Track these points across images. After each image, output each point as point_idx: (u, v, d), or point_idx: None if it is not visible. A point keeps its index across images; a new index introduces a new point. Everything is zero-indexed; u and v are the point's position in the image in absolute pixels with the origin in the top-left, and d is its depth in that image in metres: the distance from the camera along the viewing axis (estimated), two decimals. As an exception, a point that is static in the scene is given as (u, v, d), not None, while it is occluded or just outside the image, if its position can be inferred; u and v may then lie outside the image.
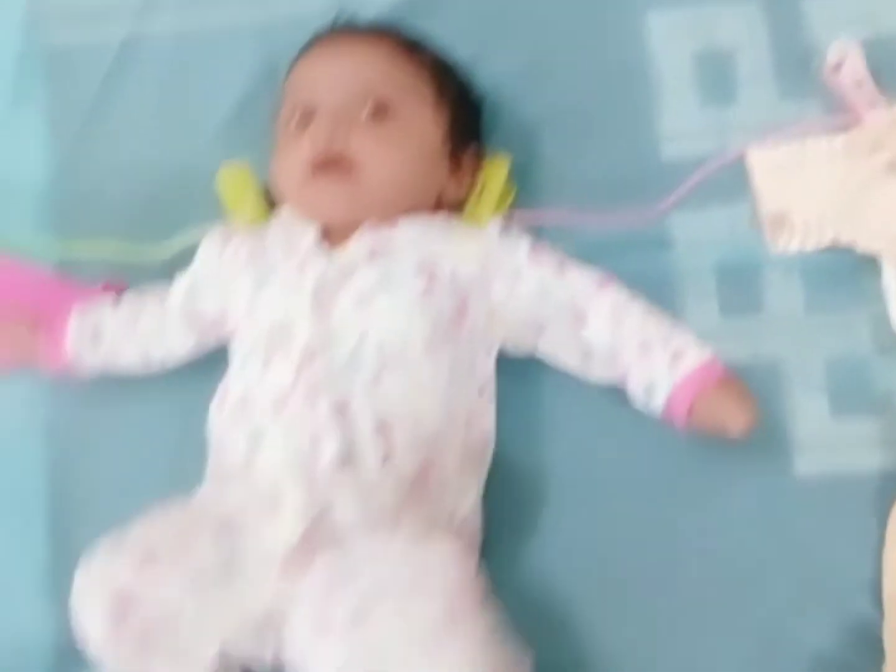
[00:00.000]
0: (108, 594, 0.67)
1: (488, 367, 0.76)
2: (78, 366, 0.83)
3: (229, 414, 0.74)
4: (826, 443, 0.74)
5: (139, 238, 0.88)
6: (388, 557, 0.65)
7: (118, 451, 0.86)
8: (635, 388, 0.71)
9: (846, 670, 0.68)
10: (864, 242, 0.74)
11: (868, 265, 0.75)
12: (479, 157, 0.80)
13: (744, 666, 0.70)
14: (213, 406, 0.76)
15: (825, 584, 0.71)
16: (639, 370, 0.70)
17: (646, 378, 0.70)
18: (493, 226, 0.77)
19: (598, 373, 0.73)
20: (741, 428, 0.67)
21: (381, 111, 0.74)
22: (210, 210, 0.85)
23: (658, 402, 0.69)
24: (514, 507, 0.76)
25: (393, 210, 0.75)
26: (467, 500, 0.73)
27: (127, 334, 0.82)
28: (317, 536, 0.67)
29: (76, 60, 0.97)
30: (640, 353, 0.70)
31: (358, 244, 0.74)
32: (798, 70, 0.81)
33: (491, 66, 0.84)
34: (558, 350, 0.74)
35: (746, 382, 0.70)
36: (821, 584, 0.71)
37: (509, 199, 0.81)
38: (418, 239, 0.75)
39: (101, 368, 0.83)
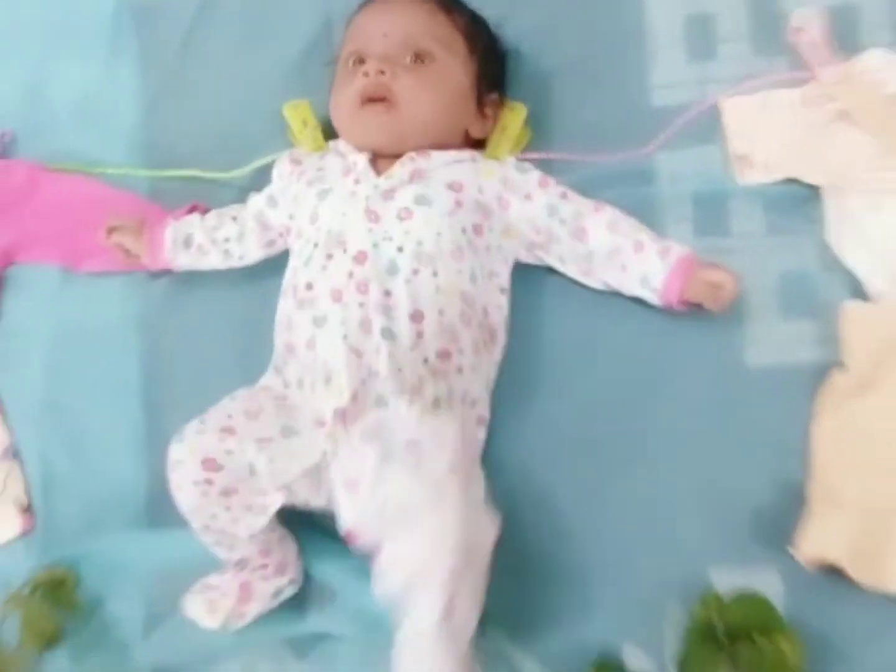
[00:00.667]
0: (198, 461, 0.82)
1: (505, 272, 0.92)
2: (173, 265, 1.01)
3: (298, 301, 0.90)
4: (774, 339, 0.89)
5: (218, 166, 1.05)
6: (409, 422, 0.80)
7: (197, 335, 1.04)
8: (632, 281, 0.87)
9: (776, 518, 0.83)
10: (813, 177, 0.89)
11: (816, 196, 0.89)
12: (500, 103, 0.95)
13: (696, 513, 0.86)
14: (284, 294, 0.93)
15: (765, 452, 0.86)
16: (635, 264, 0.86)
17: (641, 270, 0.86)
18: (509, 161, 0.93)
19: (599, 274, 0.89)
20: (730, 293, 0.83)
21: (420, 59, 0.90)
22: (279, 141, 1.02)
23: (656, 285, 0.85)
24: (516, 392, 0.92)
25: (426, 140, 0.90)
26: (480, 380, 0.89)
27: (211, 239, 0.99)
28: (362, 398, 0.84)
29: (162, 16, 1.15)
30: (635, 250, 0.86)
31: (400, 169, 0.89)
32: (768, 32, 0.95)
33: (513, 26, 1.00)
34: (564, 259, 0.90)
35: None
36: (761, 452, 0.86)
37: (525, 141, 0.97)
38: (448, 167, 0.90)
39: (190, 266, 1.01)
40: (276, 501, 0.85)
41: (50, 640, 0.99)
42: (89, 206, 1.09)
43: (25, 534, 1.04)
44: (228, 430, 0.83)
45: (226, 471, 0.82)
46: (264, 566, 0.88)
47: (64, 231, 1.10)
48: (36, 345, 1.09)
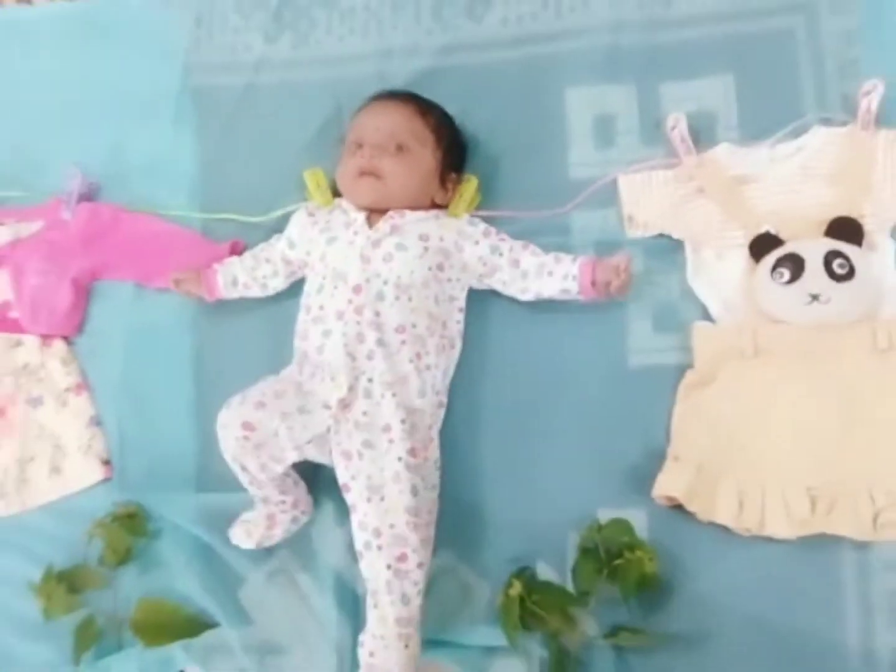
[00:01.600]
0: (239, 423, 1.10)
1: (462, 297, 1.24)
2: (225, 297, 1.31)
3: (312, 318, 1.20)
4: (648, 348, 1.20)
5: (252, 212, 1.36)
6: (391, 416, 1.12)
7: (236, 334, 1.34)
8: (556, 281, 1.16)
9: (645, 473, 1.13)
10: (677, 233, 1.22)
11: (680, 247, 1.22)
12: (458, 180, 1.27)
13: (590, 470, 1.17)
14: (301, 313, 1.23)
15: (640, 427, 1.17)
16: (556, 269, 1.17)
17: (562, 270, 1.17)
18: (464, 217, 1.25)
19: (532, 287, 1.18)
20: (628, 272, 1.13)
21: (400, 148, 1.22)
22: (297, 195, 1.33)
23: (574, 273, 1.15)
24: (465, 383, 1.24)
25: (403, 204, 1.22)
26: (441, 375, 1.20)
27: (252, 277, 1.30)
28: (355, 390, 1.14)
29: (215, 96, 1.46)
30: (555, 261, 1.18)
31: (385, 224, 1.21)
32: (651, 130, 1.27)
33: (471, 117, 1.32)
34: (506, 282, 1.21)
35: (602, 316, 1.20)
36: (637, 427, 1.17)
37: (476, 202, 1.29)
38: (419, 223, 1.22)
39: (237, 297, 1.32)
40: (290, 457, 1.13)
41: (123, 558, 1.26)
42: (156, 239, 1.39)
43: (106, 480, 1.33)
44: (261, 404, 1.11)
45: (257, 432, 1.10)
46: (283, 501, 1.16)
47: (137, 257, 1.39)
48: (114, 340, 1.38)
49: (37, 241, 1.43)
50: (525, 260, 1.20)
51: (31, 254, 1.42)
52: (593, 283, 1.16)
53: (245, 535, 1.19)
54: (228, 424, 1.12)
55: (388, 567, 1.06)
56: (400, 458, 1.11)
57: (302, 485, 1.20)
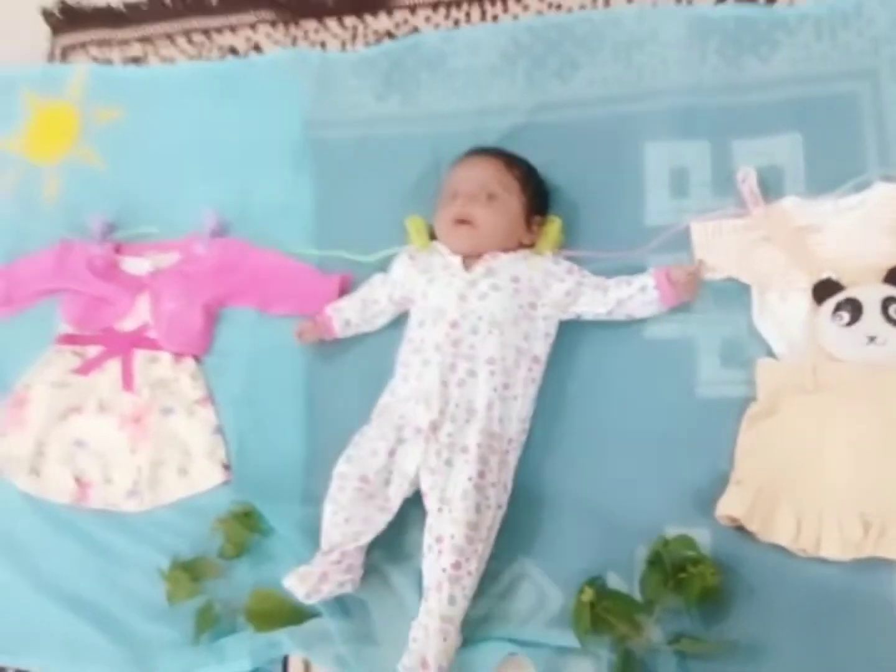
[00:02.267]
0: (356, 475, 1.24)
1: (553, 332, 1.35)
2: (341, 337, 1.46)
3: (413, 349, 1.33)
4: (715, 381, 1.30)
5: (360, 250, 1.52)
6: (469, 440, 1.24)
7: (343, 359, 1.48)
8: (633, 291, 1.29)
9: (710, 495, 1.22)
10: (745, 277, 1.32)
11: (747, 290, 1.31)
12: (542, 222, 1.40)
13: (658, 490, 1.25)
14: (404, 344, 1.36)
15: (706, 453, 1.25)
16: (635, 280, 1.30)
17: (639, 282, 1.29)
18: (549, 256, 1.38)
19: (612, 299, 1.29)
20: (699, 276, 1.28)
21: (491, 197, 1.36)
22: (400, 238, 1.48)
23: (650, 281, 1.28)
24: (548, 403, 1.35)
25: (494, 248, 1.35)
26: (527, 403, 1.31)
27: (362, 318, 1.44)
28: (444, 415, 1.26)
29: (331, 146, 1.63)
30: (633, 277, 1.31)
31: (480, 267, 1.34)
32: (723, 182, 1.38)
33: (557, 168, 1.46)
34: (590, 303, 1.32)
35: (674, 351, 1.31)
36: (704, 453, 1.25)
37: (560, 242, 1.41)
38: (510, 264, 1.35)
39: (351, 335, 1.46)
40: (398, 497, 1.24)
41: (239, 552, 1.38)
42: (277, 272, 1.56)
43: (226, 482, 1.46)
44: (374, 452, 1.27)
45: (371, 484, 1.25)
46: (339, 562, 1.23)
47: (260, 287, 1.55)
48: (237, 360, 1.53)
49: (174, 271, 1.63)
50: (606, 282, 1.34)
51: (168, 282, 1.62)
52: (669, 280, 1.28)
53: (298, 582, 1.23)
54: (346, 475, 1.26)
55: (444, 570, 1.17)
56: (470, 479, 1.22)
57: (362, 557, 1.28)
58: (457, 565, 1.18)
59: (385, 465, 1.26)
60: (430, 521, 1.23)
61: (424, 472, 1.26)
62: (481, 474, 1.23)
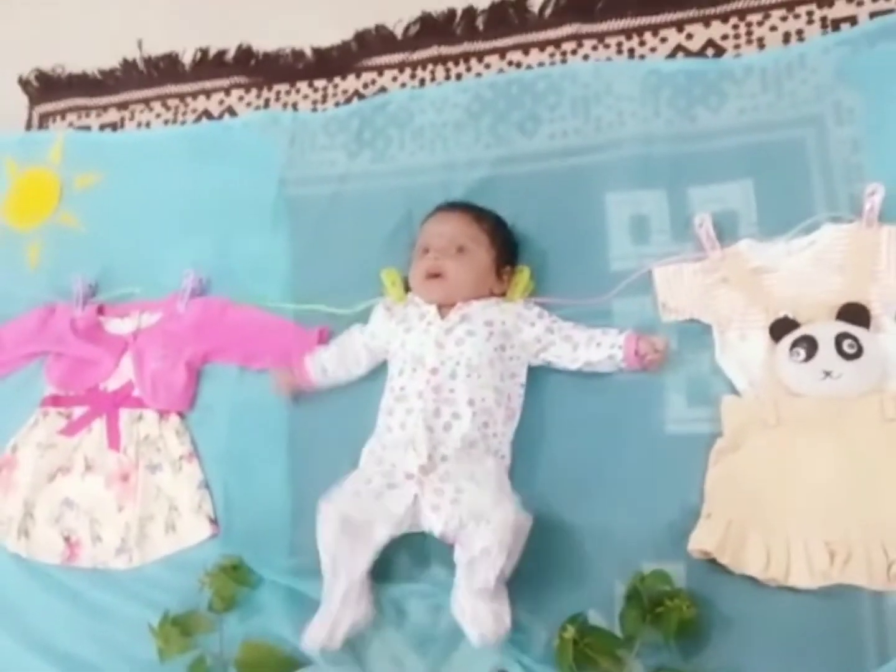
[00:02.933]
0: (338, 516, 1.25)
1: (523, 373, 1.40)
2: (317, 386, 1.49)
3: (395, 398, 1.37)
4: (683, 418, 1.34)
5: (337, 304, 1.55)
6: (472, 468, 1.29)
7: (326, 411, 1.51)
8: (603, 350, 1.33)
9: (682, 529, 1.25)
10: (706, 317, 1.37)
11: (708, 330, 1.37)
12: (512, 272, 1.46)
13: (633, 526, 1.28)
14: (386, 393, 1.40)
15: (677, 488, 1.28)
16: (604, 340, 1.34)
17: (609, 341, 1.33)
18: (520, 302, 1.43)
19: (582, 357, 1.34)
20: (664, 351, 1.31)
21: (460, 250, 1.41)
22: (375, 290, 1.52)
23: (620, 342, 1.31)
24: (526, 444, 1.39)
25: (466, 297, 1.40)
26: (506, 441, 1.36)
27: (339, 366, 1.48)
28: (433, 458, 1.30)
29: (305, 204, 1.68)
30: (603, 334, 1.35)
31: (454, 314, 1.39)
32: (681, 228, 1.44)
33: (522, 219, 1.52)
34: (559, 355, 1.37)
35: (643, 390, 1.36)
36: (675, 488, 1.29)
37: (530, 289, 1.46)
38: (483, 310, 1.40)
39: (328, 385, 1.50)
40: (384, 535, 1.26)
41: (229, 605, 1.39)
42: (257, 327, 1.60)
43: (213, 536, 1.49)
44: (356, 493, 1.29)
45: (354, 521, 1.26)
46: (346, 596, 1.25)
47: (241, 342, 1.59)
48: (221, 414, 1.57)
49: (156, 330, 1.67)
50: (576, 335, 1.38)
51: (151, 341, 1.66)
52: (636, 353, 1.32)
53: (312, 638, 1.26)
54: (330, 517, 1.27)
55: (494, 569, 1.20)
56: (492, 492, 1.27)
57: (368, 591, 1.30)
58: (505, 569, 1.22)
59: (366, 507, 1.28)
60: (463, 540, 1.23)
61: (429, 515, 1.28)
62: (501, 488, 1.29)
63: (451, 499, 1.27)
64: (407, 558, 1.37)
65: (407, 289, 1.50)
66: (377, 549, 1.28)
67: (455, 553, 1.26)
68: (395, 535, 1.29)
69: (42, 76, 2.05)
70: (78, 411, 1.65)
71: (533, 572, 1.32)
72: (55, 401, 1.68)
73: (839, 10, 1.54)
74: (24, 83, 2.06)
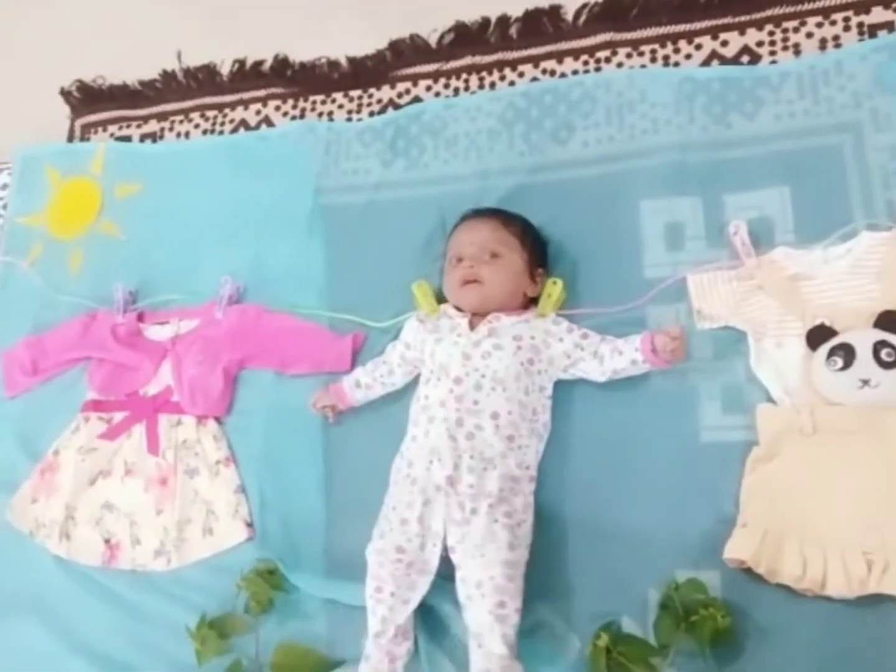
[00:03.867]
0: (392, 548, 1.28)
1: (550, 387, 1.41)
2: (354, 403, 1.51)
3: (421, 406, 1.39)
4: (718, 426, 1.33)
5: (370, 313, 1.58)
6: (492, 485, 1.30)
7: (359, 418, 1.53)
8: (625, 355, 1.32)
9: (717, 538, 1.25)
10: (741, 325, 1.37)
11: (744, 337, 1.36)
12: (545, 274, 1.46)
13: (668, 535, 1.29)
14: (414, 403, 1.42)
15: (712, 496, 1.29)
16: (624, 346, 1.33)
17: (629, 346, 1.33)
18: (550, 317, 1.43)
19: (608, 367, 1.34)
20: (683, 340, 1.29)
21: (493, 256, 1.42)
22: (408, 302, 1.53)
23: (637, 345, 1.31)
24: (559, 453, 1.40)
25: (502, 302, 1.41)
26: (532, 453, 1.37)
27: (372, 378, 1.49)
28: (458, 468, 1.30)
29: (341, 214, 1.70)
30: (624, 343, 1.34)
31: (483, 328, 1.40)
32: (716, 235, 1.43)
33: (556, 227, 1.52)
34: (587, 371, 1.38)
35: (677, 398, 1.35)
36: (710, 496, 1.29)
37: (563, 301, 1.46)
38: (512, 326, 1.40)
39: (364, 400, 1.51)
40: (435, 556, 1.28)
41: (265, 608, 1.42)
42: (292, 333, 1.62)
43: (249, 540, 1.52)
44: (404, 522, 1.31)
45: (407, 553, 1.29)
46: (396, 636, 1.27)
47: (277, 348, 1.62)
48: (257, 419, 1.59)
49: (194, 337, 1.70)
50: (601, 348, 1.38)
51: (189, 348, 1.69)
52: (653, 350, 1.32)
53: None
54: (383, 551, 1.30)
55: (490, 612, 1.21)
56: (496, 521, 1.28)
57: (413, 621, 1.31)
58: (502, 604, 1.22)
59: (417, 532, 1.31)
60: (462, 572, 1.26)
61: (450, 526, 1.29)
62: (508, 514, 1.29)
63: (465, 518, 1.29)
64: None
65: (439, 300, 1.51)
66: (432, 576, 1.29)
67: (457, 583, 1.27)
68: (443, 553, 1.30)
69: (83, 87, 2.09)
70: (118, 416, 1.69)
71: (566, 579, 1.34)
72: (96, 406, 1.71)
73: (876, 16, 1.53)
74: (66, 94, 2.11)
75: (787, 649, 1.22)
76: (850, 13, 1.55)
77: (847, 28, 1.54)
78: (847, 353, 1.27)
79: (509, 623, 1.23)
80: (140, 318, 1.78)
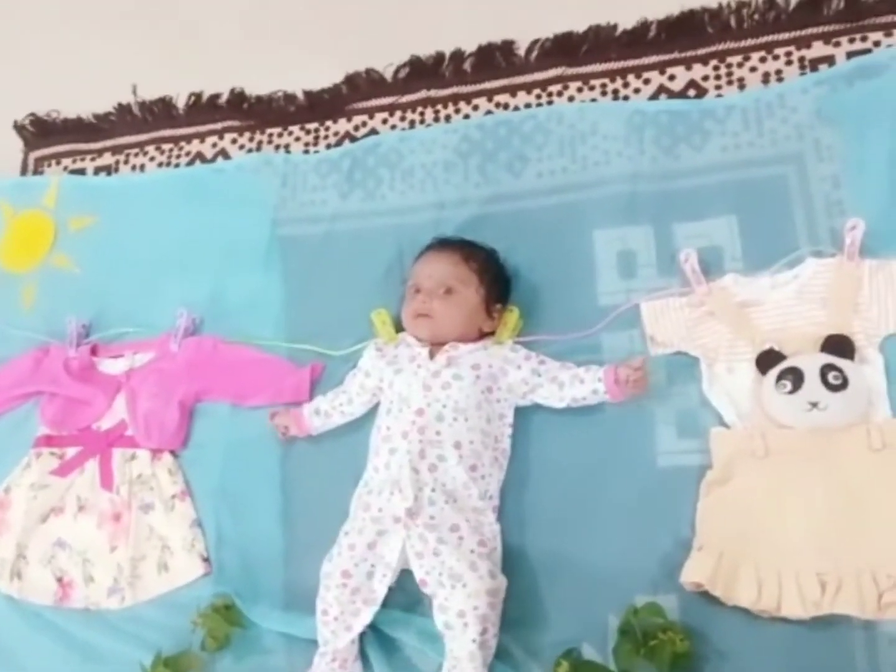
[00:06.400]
0: (339, 573, 1.29)
1: (510, 414, 1.42)
2: (312, 430, 1.50)
3: (382, 437, 1.39)
4: (673, 450, 1.36)
5: (328, 343, 1.58)
6: (455, 520, 1.29)
7: (317, 448, 1.52)
8: (587, 385, 1.34)
9: (674, 562, 1.26)
10: (693, 350, 1.40)
11: (696, 363, 1.39)
12: (502, 310, 1.47)
13: (626, 560, 1.30)
14: (373, 432, 1.42)
15: (669, 520, 1.30)
16: (586, 376, 1.35)
17: (591, 376, 1.35)
18: (507, 344, 1.45)
19: (568, 394, 1.35)
20: (642, 381, 1.32)
21: (448, 291, 1.43)
22: (366, 331, 1.54)
23: (600, 376, 1.33)
24: (517, 481, 1.41)
25: (455, 336, 1.42)
26: (495, 482, 1.37)
27: (331, 406, 1.49)
28: (420, 500, 1.30)
29: (298, 245, 1.70)
30: (585, 371, 1.36)
31: (442, 357, 1.41)
32: (667, 263, 1.47)
33: (513, 256, 1.54)
34: (546, 396, 1.39)
35: (633, 423, 1.37)
36: (667, 520, 1.30)
37: (519, 329, 1.48)
38: (470, 354, 1.42)
39: (323, 428, 1.51)
40: (383, 589, 1.29)
41: (222, 645, 1.40)
42: (250, 365, 1.61)
43: (206, 575, 1.49)
44: (351, 546, 1.32)
45: (353, 578, 1.30)
46: (334, 659, 1.30)
47: (233, 381, 1.61)
48: (214, 452, 1.57)
49: (149, 370, 1.68)
50: (561, 375, 1.39)
51: (144, 380, 1.67)
52: (616, 381, 1.34)
53: None
54: (331, 574, 1.31)
55: (474, 641, 1.22)
56: (472, 551, 1.28)
57: (356, 651, 1.33)
58: (484, 631, 1.23)
59: (364, 558, 1.31)
60: (439, 601, 1.26)
61: (412, 558, 1.29)
62: (481, 543, 1.30)
63: (433, 549, 1.28)
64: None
65: (398, 329, 1.51)
66: (377, 606, 1.30)
67: (433, 609, 1.27)
68: (391, 584, 1.31)
69: (37, 121, 2.08)
70: (71, 451, 1.66)
71: (526, 608, 1.33)
72: (48, 441, 1.68)
73: (817, 50, 1.59)
74: (19, 128, 2.09)
75: (745, 670, 1.23)
76: (791, 48, 1.61)
77: (789, 62, 1.60)
78: (796, 377, 1.30)
79: (488, 649, 1.25)
80: (94, 351, 1.75)
